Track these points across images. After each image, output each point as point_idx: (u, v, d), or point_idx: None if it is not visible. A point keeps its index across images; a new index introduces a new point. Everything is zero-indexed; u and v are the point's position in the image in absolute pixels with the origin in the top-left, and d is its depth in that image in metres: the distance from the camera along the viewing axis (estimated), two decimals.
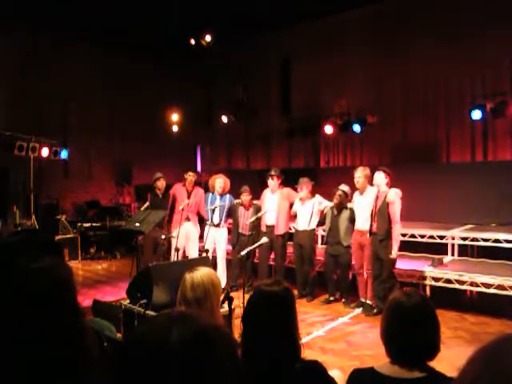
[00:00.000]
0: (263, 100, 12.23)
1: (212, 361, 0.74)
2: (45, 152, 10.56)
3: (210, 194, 7.45)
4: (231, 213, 7.42)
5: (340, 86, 10.96)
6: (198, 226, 7.64)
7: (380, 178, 6.01)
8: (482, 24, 8.57)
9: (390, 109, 10.19)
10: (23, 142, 10.00)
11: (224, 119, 12.31)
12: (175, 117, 13.23)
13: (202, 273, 2.50)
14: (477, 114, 8.53)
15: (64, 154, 11.17)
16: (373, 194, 6.17)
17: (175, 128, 13.35)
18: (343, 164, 11.23)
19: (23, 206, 10.44)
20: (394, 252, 5.84)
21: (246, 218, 7.23)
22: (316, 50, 11.00)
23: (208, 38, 10.95)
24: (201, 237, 7.55)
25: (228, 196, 7.43)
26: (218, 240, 7.32)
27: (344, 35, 10.58)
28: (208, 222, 7.36)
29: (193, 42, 11.19)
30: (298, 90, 11.78)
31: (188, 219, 7.35)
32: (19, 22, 10.16)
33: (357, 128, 10.17)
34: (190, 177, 7.54)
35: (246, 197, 7.23)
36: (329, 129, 10.54)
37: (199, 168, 14.39)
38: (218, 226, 7.25)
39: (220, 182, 7.36)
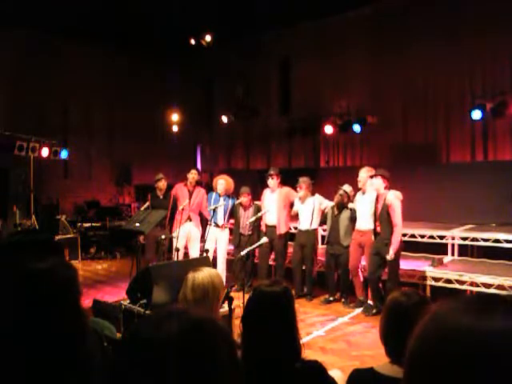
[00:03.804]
0: (263, 100, 12.22)
1: (211, 352, 0.74)
2: (45, 152, 10.55)
3: (214, 194, 7.39)
4: (233, 214, 7.42)
5: (340, 86, 10.96)
6: (200, 226, 7.57)
7: (378, 183, 5.95)
8: (482, 24, 8.57)
9: (390, 109, 10.18)
10: (23, 142, 9.99)
11: (224, 119, 12.31)
12: (175, 117, 13.25)
13: (203, 274, 2.50)
14: (477, 114, 8.53)
15: (64, 154, 11.17)
16: (374, 194, 6.15)
17: (175, 128, 13.36)
18: (343, 164, 11.22)
19: (23, 205, 10.42)
20: (390, 254, 5.79)
21: (245, 218, 7.24)
22: (316, 50, 10.99)
23: (208, 37, 10.94)
24: (202, 237, 7.52)
25: (231, 197, 7.40)
26: (220, 240, 7.29)
27: (344, 35, 10.58)
28: (210, 222, 7.32)
29: (193, 41, 11.18)
30: (298, 89, 11.77)
31: (190, 219, 7.32)
32: (19, 22, 10.15)
33: (357, 128, 10.18)
34: (193, 175, 7.46)
35: (245, 197, 7.23)
36: (329, 129, 10.55)
37: (199, 168, 14.40)
38: (220, 226, 7.21)
39: (222, 183, 7.31)
